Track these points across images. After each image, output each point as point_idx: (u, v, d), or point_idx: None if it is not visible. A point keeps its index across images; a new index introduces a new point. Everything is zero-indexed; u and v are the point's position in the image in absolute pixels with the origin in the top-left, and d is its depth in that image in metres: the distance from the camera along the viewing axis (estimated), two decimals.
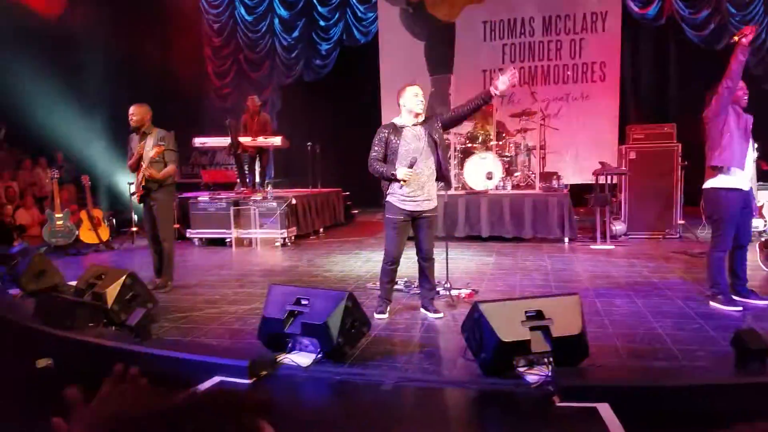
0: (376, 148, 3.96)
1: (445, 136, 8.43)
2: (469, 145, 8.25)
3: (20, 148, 9.40)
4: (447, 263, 4.75)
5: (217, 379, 2.97)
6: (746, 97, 4.06)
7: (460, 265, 5.97)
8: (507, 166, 8.12)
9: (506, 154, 8.16)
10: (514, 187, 8.00)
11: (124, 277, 4.00)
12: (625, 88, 9.49)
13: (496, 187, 7.79)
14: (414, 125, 3.95)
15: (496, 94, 3.93)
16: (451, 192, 7.88)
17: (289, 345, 3.27)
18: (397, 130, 3.94)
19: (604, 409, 2.40)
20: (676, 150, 7.14)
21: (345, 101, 10.47)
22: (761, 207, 6.54)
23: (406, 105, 3.94)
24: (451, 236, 7.45)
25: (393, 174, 3.84)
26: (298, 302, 3.27)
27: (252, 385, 2.93)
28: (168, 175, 5.05)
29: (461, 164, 8.09)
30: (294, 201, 7.88)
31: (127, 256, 7.36)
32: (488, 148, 8.02)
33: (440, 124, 4.03)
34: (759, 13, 8.80)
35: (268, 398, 0.64)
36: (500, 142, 8.21)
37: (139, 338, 3.42)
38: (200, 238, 7.96)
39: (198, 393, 0.64)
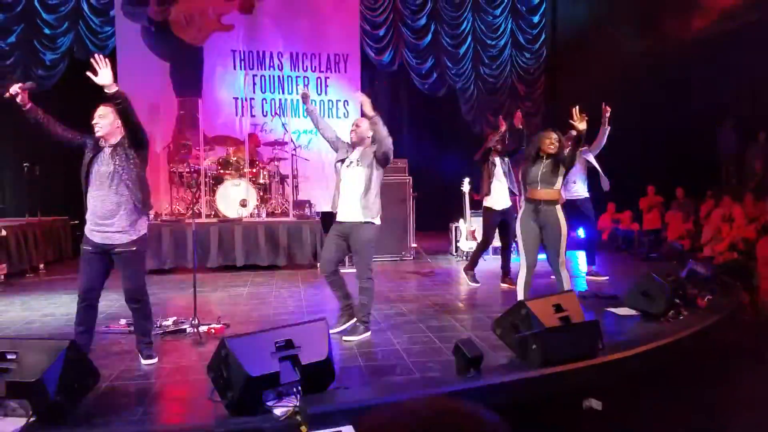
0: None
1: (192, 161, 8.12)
2: (222, 171, 8.04)
3: None
4: (195, 297, 4.48)
5: None
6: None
7: (211, 297, 5.70)
8: (261, 193, 8.13)
9: (260, 181, 8.17)
10: (269, 214, 8.03)
11: None
12: None
13: (251, 215, 7.72)
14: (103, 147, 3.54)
15: None
16: (201, 220, 7.55)
17: None
18: (97, 148, 3.52)
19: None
20: (408, 182, 8.09)
21: (75, 117, 9.14)
22: (473, 231, 7.77)
23: None
24: (202, 267, 7.09)
25: None
26: (2, 357, 2.68)
27: None
28: None
29: (213, 191, 7.82)
30: (4, 232, 6.55)
31: None
32: (242, 175, 7.92)
33: (133, 151, 3.53)
34: (468, 68, 10.68)
35: None
36: (254, 170, 8.19)
37: None
38: None
39: None
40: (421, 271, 7.24)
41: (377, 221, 4.30)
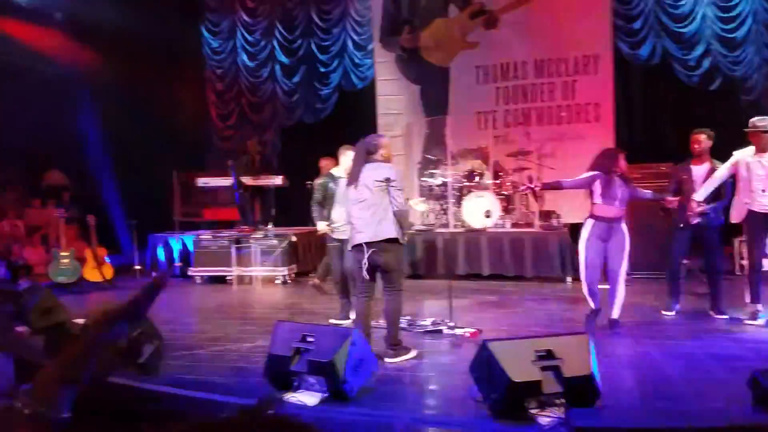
0: (317, 194, 5.32)
1: (440, 171, 8.63)
2: (466, 183, 8.35)
3: (29, 187, 9.47)
4: (450, 301, 4.74)
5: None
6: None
7: (461, 303, 5.93)
8: (505, 204, 8.20)
9: (503, 192, 8.25)
10: (513, 225, 8.05)
11: None
12: (620, 129, 9.65)
13: (495, 225, 7.84)
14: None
15: None
16: (449, 230, 7.96)
17: (295, 383, 3.23)
18: (335, 180, 5.18)
19: None
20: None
21: (343, 142, 10.59)
22: None
23: (346, 163, 5.00)
24: (450, 274, 7.45)
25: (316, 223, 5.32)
26: (303, 339, 3.25)
27: None
28: None
29: (459, 202, 8.17)
30: (294, 239, 7.90)
31: (129, 293, 7.29)
32: (485, 187, 8.11)
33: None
34: (750, 53, 8.97)
35: None
36: (497, 181, 8.31)
37: (146, 375, 3.35)
38: (201, 276, 7.93)
39: None
40: (696, 290, 6.35)
41: None
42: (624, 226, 4.89)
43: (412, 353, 3.99)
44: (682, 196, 5.06)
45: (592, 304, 4.81)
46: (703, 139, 5.09)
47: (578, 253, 4.88)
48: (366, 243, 3.91)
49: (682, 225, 5.11)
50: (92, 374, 0.91)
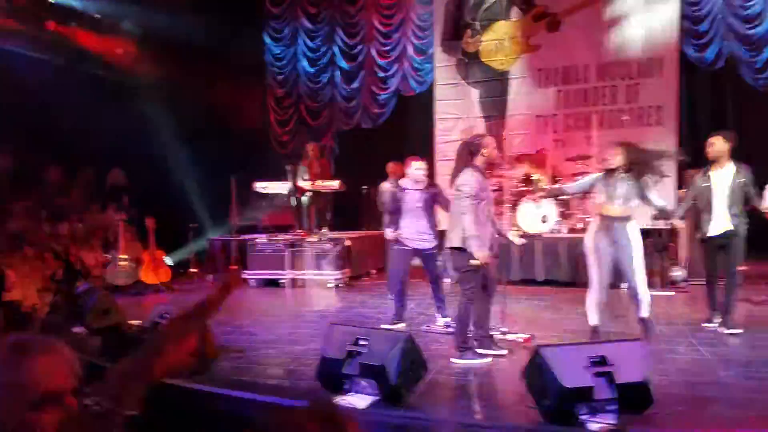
0: (385, 203, 5.54)
1: (494, 179, 8.59)
2: (523, 188, 8.26)
3: (93, 190, 10.00)
4: (503, 306, 4.73)
5: None
6: None
7: (515, 309, 5.88)
8: (562, 209, 8.05)
9: (561, 197, 8.10)
10: (570, 230, 7.89)
11: None
12: (683, 133, 9.28)
13: (551, 231, 7.71)
14: (414, 189, 5.23)
15: None
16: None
17: (347, 386, 3.29)
18: (402, 189, 5.32)
19: None
20: None
21: (401, 146, 10.69)
22: None
23: (411, 174, 5.26)
24: (504, 279, 7.38)
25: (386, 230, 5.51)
26: (356, 342, 3.30)
27: None
28: None
29: (514, 207, 8.08)
30: (348, 243, 8.03)
31: (186, 296, 7.51)
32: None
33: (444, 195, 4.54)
34: None
35: None
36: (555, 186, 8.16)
37: (198, 374, 3.45)
38: (255, 279, 8.07)
39: None
40: (753, 298, 6.06)
41: None
42: (631, 228, 4.56)
43: (482, 360, 4.02)
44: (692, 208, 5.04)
45: (595, 318, 4.52)
46: (716, 142, 4.86)
47: (586, 256, 4.64)
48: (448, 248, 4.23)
49: (700, 237, 5.05)
50: (166, 373, 0.95)
